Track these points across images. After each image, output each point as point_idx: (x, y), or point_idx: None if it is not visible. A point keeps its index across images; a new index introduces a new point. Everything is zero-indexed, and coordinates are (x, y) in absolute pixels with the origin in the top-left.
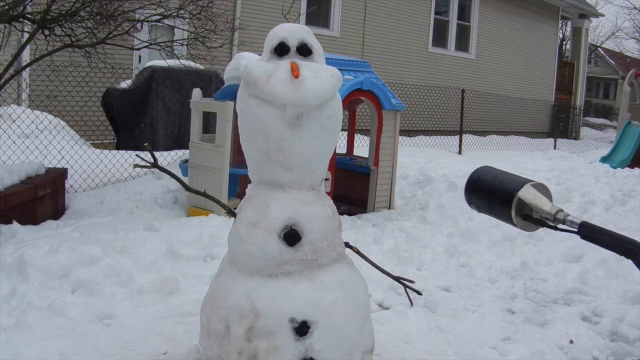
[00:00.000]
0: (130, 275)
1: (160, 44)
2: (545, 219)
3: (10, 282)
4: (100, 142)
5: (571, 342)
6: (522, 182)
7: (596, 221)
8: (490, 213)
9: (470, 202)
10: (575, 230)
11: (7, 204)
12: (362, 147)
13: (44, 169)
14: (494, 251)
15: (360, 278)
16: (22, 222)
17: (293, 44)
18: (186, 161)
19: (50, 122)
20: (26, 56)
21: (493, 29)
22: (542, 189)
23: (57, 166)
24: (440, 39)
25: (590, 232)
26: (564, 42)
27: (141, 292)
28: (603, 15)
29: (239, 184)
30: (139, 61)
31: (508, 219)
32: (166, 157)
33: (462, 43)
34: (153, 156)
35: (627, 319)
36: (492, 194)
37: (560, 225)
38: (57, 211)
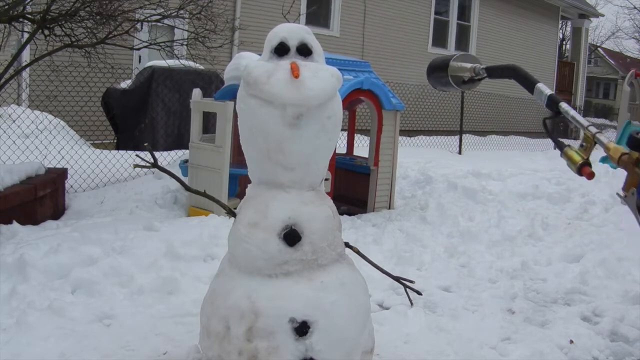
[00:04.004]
0: (130, 275)
1: (160, 44)
2: (471, 77)
3: (10, 282)
4: (100, 142)
5: (571, 342)
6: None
7: (596, 221)
8: (438, 83)
9: (429, 81)
10: (485, 75)
11: (7, 204)
12: (362, 147)
13: (44, 169)
14: (494, 251)
15: (360, 278)
16: (22, 222)
17: (293, 44)
18: (186, 161)
19: (50, 122)
20: (26, 56)
21: (493, 29)
22: (469, 57)
23: (57, 166)
24: (440, 39)
25: (491, 71)
26: (564, 42)
27: (141, 292)
28: (603, 15)
29: (239, 184)
30: (139, 61)
31: (447, 83)
32: (166, 157)
33: (462, 43)
34: (153, 156)
35: (627, 319)
36: (436, 68)
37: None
38: (57, 211)
